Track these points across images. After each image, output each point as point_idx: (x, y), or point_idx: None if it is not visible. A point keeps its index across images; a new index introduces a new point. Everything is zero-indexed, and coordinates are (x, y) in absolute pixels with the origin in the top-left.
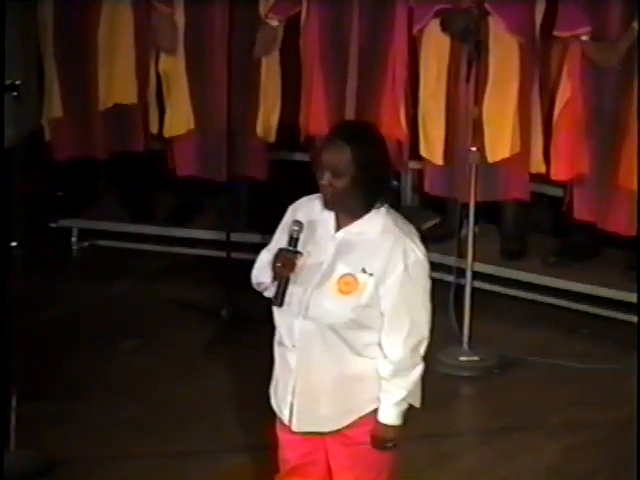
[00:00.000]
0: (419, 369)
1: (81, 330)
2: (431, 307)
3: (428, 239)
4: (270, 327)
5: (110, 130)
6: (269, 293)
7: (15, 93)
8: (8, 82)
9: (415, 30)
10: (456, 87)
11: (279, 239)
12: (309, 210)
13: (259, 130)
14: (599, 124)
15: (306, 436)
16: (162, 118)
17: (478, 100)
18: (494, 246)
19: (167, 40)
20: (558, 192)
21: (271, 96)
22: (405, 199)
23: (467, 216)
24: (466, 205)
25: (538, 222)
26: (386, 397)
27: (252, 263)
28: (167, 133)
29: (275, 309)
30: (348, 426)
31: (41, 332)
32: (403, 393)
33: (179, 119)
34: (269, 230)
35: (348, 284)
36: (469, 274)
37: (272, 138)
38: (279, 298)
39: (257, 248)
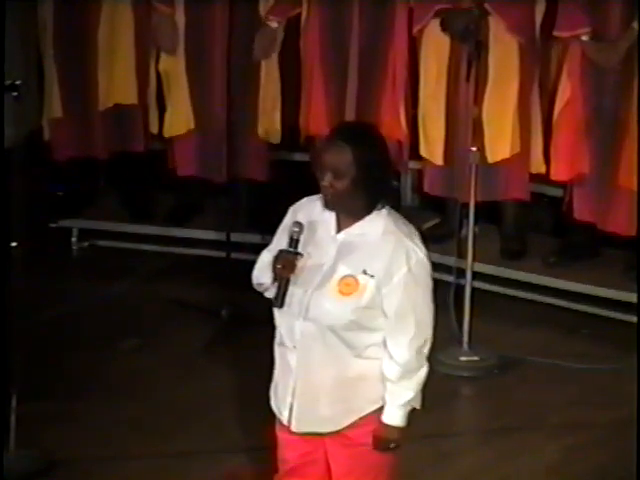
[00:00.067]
0: (424, 370)
1: (81, 330)
2: (434, 307)
3: (428, 239)
4: (270, 327)
5: (110, 130)
6: (270, 294)
7: (15, 93)
8: (8, 82)
9: (415, 30)
10: (456, 87)
11: (279, 240)
12: (310, 211)
13: (260, 131)
14: (599, 124)
15: (305, 436)
16: (162, 118)
17: (478, 100)
18: (494, 246)
19: (167, 40)
20: (558, 192)
21: (270, 100)
22: (405, 199)
23: (467, 216)
24: (466, 205)
25: (538, 222)
26: (392, 399)
27: (252, 263)
28: (167, 133)
29: (276, 310)
30: (348, 427)
31: (41, 332)
32: (410, 395)
33: (179, 119)
34: (269, 230)
35: (349, 285)
36: (469, 274)
37: (277, 139)
38: (279, 299)
39: (257, 248)
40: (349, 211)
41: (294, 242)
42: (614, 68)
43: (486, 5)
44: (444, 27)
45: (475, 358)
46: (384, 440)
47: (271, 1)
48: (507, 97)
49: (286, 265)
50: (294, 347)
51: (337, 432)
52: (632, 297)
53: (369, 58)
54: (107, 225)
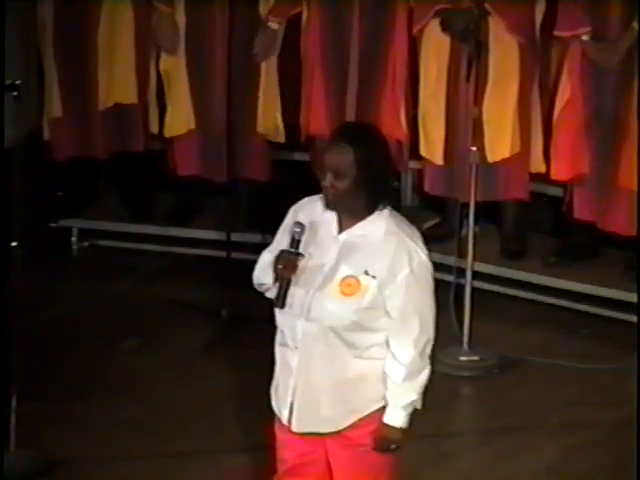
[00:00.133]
0: (427, 371)
1: (81, 330)
2: (436, 308)
3: (428, 239)
4: (270, 327)
5: (110, 130)
6: (271, 294)
7: (15, 93)
8: (8, 82)
9: (415, 30)
10: (456, 87)
11: (280, 240)
12: (311, 211)
13: (262, 130)
14: (599, 124)
15: (305, 437)
16: (162, 118)
17: (478, 100)
18: (494, 246)
19: (168, 40)
20: (558, 192)
21: (270, 101)
22: (405, 199)
23: (467, 216)
24: (466, 205)
25: (538, 222)
26: (395, 400)
27: (252, 263)
28: (167, 133)
29: (277, 310)
30: (349, 427)
31: (41, 332)
32: (414, 396)
33: (179, 119)
34: (269, 230)
35: (350, 286)
36: (469, 274)
37: (282, 138)
38: (280, 300)
39: (257, 248)
40: (350, 211)
41: (295, 242)
42: (614, 68)
43: (486, 5)
44: (444, 27)
45: (475, 358)
46: (385, 441)
47: (271, 1)
48: (507, 97)
49: (287, 265)
50: (296, 347)
51: (337, 432)
52: (632, 297)
53: (369, 58)
54: (107, 225)
